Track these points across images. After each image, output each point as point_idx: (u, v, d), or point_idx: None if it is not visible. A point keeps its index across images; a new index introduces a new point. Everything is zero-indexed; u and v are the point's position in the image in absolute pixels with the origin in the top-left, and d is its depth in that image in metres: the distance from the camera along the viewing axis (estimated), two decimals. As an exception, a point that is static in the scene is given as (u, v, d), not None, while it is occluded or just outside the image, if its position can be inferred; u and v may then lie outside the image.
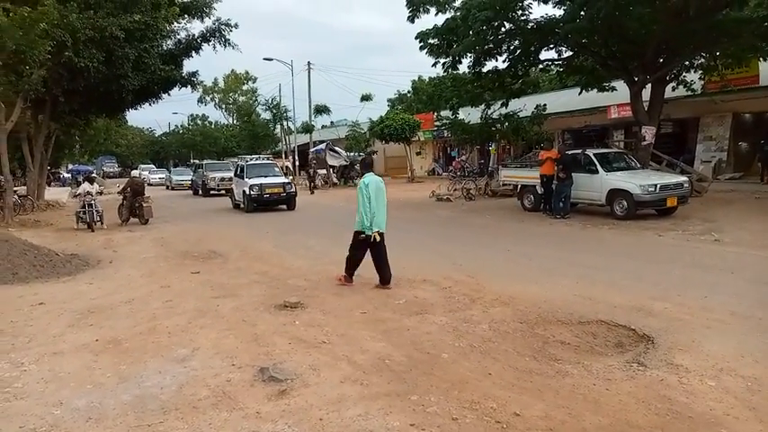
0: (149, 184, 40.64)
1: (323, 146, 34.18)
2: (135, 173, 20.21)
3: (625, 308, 6.24)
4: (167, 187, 39.67)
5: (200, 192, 29.51)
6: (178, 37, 20.97)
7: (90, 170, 43.34)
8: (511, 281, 7.81)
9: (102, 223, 16.03)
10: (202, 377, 4.76)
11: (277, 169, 21.59)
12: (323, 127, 49.16)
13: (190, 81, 21.81)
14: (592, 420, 3.79)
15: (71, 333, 6.13)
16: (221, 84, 71.02)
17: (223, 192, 26.86)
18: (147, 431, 3.84)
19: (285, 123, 43.85)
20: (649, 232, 11.62)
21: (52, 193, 29.98)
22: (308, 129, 41.12)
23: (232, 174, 26.41)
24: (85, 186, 16.43)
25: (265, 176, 20.06)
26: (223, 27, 20.77)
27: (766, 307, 6.11)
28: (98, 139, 40.93)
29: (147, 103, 22.46)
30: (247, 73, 70.00)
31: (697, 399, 4.06)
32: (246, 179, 19.73)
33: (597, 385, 4.35)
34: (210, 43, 20.83)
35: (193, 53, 21.07)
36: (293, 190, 19.88)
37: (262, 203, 19.24)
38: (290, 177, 28.43)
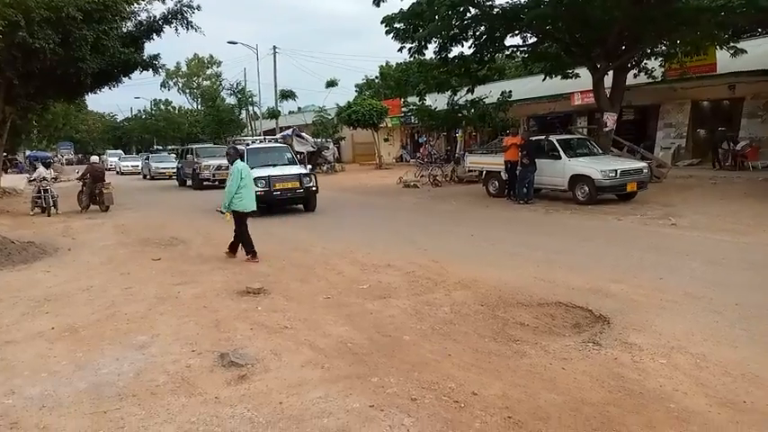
0: (120, 173, 38.05)
1: (289, 131, 33.74)
2: (94, 158, 18.31)
3: (583, 290, 6.38)
4: (145, 176, 33.95)
5: (190, 182, 24.58)
6: (138, 18, 20.29)
7: (48, 156, 42.04)
8: (474, 265, 7.89)
9: (56, 209, 15.77)
10: (161, 363, 4.70)
11: (289, 155, 15.68)
12: (290, 112, 48.72)
13: (151, 64, 21.15)
14: (547, 398, 3.88)
15: (25, 321, 5.97)
16: (184, 68, 69.54)
17: (218, 182, 21.88)
18: (102, 418, 3.78)
19: (251, 108, 43.24)
20: (610, 217, 11.88)
21: (8, 180, 28.95)
22: (274, 114, 40.67)
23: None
24: (41, 171, 16.27)
25: (273, 165, 14.57)
26: (185, 9, 20.14)
27: (718, 288, 6.32)
28: (56, 124, 39.70)
29: (107, 87, 21.66)
30: (211, 57, 68.80)
31: (648, 376, 4.18)
32: None
33: (554, 365, 4.45)
34: (173, 25, 20.22)
35: (155, 35, 20.38)
36: (313, 184, 14.22)
37: (271, 204, 13.71)
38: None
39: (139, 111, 68.96)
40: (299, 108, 49.24)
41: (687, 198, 13.92)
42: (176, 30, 20.38)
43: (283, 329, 5.51)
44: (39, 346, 5.22)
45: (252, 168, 12.22)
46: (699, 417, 3.58)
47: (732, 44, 16.81)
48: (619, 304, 5.83)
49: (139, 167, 37.27)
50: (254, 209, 9.08)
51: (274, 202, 13.94)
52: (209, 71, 69.44)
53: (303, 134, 34.76)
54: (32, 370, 4.64)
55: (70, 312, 6.27)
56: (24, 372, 4.61)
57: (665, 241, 9.20)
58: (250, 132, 43.88)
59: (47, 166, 16.79)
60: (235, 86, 43.00)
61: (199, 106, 66.52)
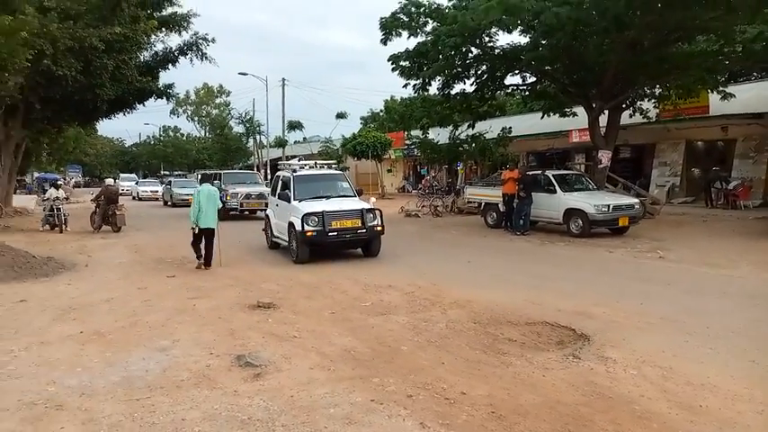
0: (138, 199, 36.15)
1: (295, 161, 34.66)
2: (109, 181, 18.77)
3: (569, 312, 6.90)
4: (166, 203, 30.90)
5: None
6: (155, 49, 21.32)
7: (57, 178, 42.80)
8: (469, 288, 8.43)
9: (67, 227, 16.77)
10: (184, 363, 5.23)
11: (345, 184, 12.59)
12: (296, 142, 49.68)
13: (166, 93, 22.12)
14: (527, 398, 4.40)
15: (56, 326, 6.52)
16: (193, 96, 71.07)
17: (247, 213, 21.16)
18: (135, 404, 4.30)
19: (258, 137, 44.26)
20: (601, 249, 12.42)
21: (18, 200, 29.70)
22: (281, 143, 41.59)
23: (262, 189, 21.17)
24: (52, 192, 17.22)
25: (327, 198, 11.67)
26: (200, 41, 21.20)
27: (692, 313, 6.85)
28: (67, 147, 40.60)
29: (122, 113, 22.65)
30: (221, 86, 70.35)
31: (619, 383, 4.70)
32: (295, 202, 11.38)
33: (536, 373, 4.97)
34: (187, 56, 21.23)
35: (170, 65, 21.42)
36: (378, 222, 11.18)
37: (326, 246, 11.23)
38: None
39: (148, 136, 70.31)
40: (305, 138, 50.23)
41: (677, 234, 14.47)
42: (191, 60, 21.37)
43: (293, 338, 6.04)
44: (71, 346, 5.76)
45: (300, 201, 11.29)
46: (659, 417, 4.09)
47: (722, 88, 17.58)
48: (600, 325, 6.36)
49: (159, 193, 34.68)
50: (211, 226, 10.51)
51: (328, 245, 11.20)
52: (218, 100, 70.96)
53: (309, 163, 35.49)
54: (68, 365, 5.17)
55: (95, 320, 6.82)
56: (61, 366, 5.15)
57: (651, 272, 9.74)
58: (257, 161, 44.78)
59: (56, 187, 17.66)
60: (243, 116, 44.09)
61: (207, 134, 67.80)
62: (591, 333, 6.04)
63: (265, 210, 19.30)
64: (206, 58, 21.65)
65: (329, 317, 6.95)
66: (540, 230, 15.69)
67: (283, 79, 40.79)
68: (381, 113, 48.46)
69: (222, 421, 4.01)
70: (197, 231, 10.47)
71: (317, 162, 14.37)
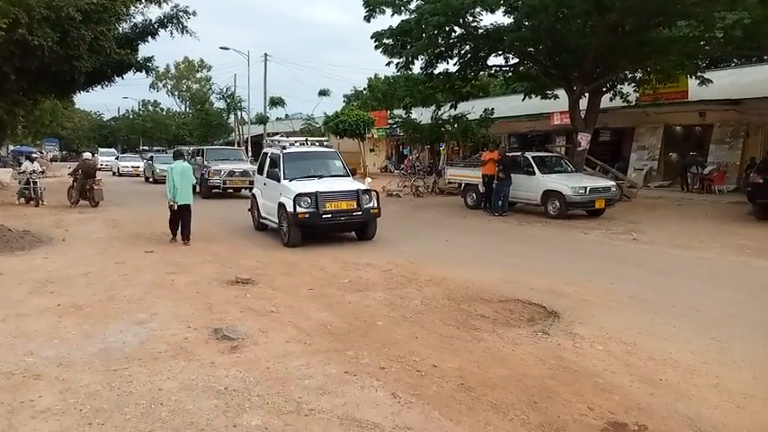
0: (119, 174, 34.80)
1: (278, 136, 34.44)
2: (87, 155, 18.24)
3: (541, 290, 7.08)
4: (147, 179, 30.05)
5: (198, 189, 18.97)
6: (134, 21, 20.87)
7: (32, 151, 42.01)
8: (446, 266, 8.57)
9: (43, 201, 16.65)
10: (161, 336, 5.30)
11: (339, 163, 11.90)
12: (277, 119, 49.26)
13: (145, 66, 21.71)
14: (496, 371, 4.56)
15: (33, 299, 6.54)
16: (173, 70, 69.88)
17: (231, 191, 20.45)
18: (113, 374, 4.38)
19: (239, 113, 43.80)
20: (577, 230, 12.66)
21: (-7, 173, 29.20)
22: (262, 120, 41.22)
23: (246, 166, 20.39)
24: (27, 165, 17.06)
25: (319, 177, 11.04)
26: (181, 14, 20.77)
27: (660, 293, 7.07)
28: (43, 120, 39.79)
29: (100, 86, 22.22)
30: (202, 61, 69.22)
31: (585, 358, 4.88)
32: (286, 181, 10.72)
33: (506, 348, 5.13)
34: (168, 29, 20.82)
35: (149, 38, 21.00)
36: (374, 204, 10.60)
37: (319, 229, 10.60)
38: None
39: (127, 111, 69.12)
40: (287, 115, 49.83)
41: (652, 217, 14.77)
42: (171, 33, 20.95)
43: (270, 313, 6.14)
44: (48, 319, 5.79)
45: (290, 181, 10.60)
46: (621, 389, 4.28)
47: (700, 74, 17.81)
48: (570, 303, 6.54)
49: (141, 169, 33.33)
50: (187, 202, 10.65)
51: (321, 228, 10.54)
52: (198, 75, 69.88)
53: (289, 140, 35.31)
54: (46, 337, 5.22)
55: (73, 293, 6.83)
56: (38, 338, 5.19)
57: (623, 253, 9.98)
58: (237, 138, 44.37)
59: (31, 160, 17.44)
60: (224, 91, 43.52)
61: (187, 109, 66.87)
62: (561, 310, 6.22)
63: (251, 188, 18.51)
64: (187, 31, 21.19)
65: (307, 293, 7.05)
66: (519, 211, 15.89)
67: (265, 54, 40.30)
68: (365, 92, 48.16)
69: (199, 391, 4.11)
70: (175, 208, 10.57)
71: (308, 139, 13.53)
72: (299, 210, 9.98)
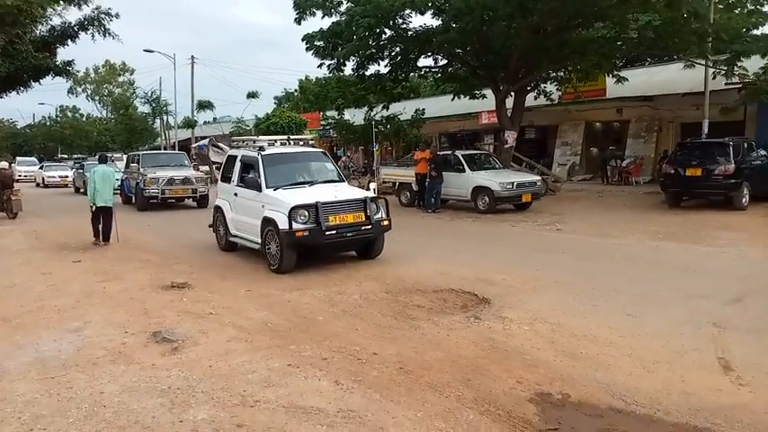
0: (44, 185, 31.45)
1: (205, 142, 33.74)
2: (3, 164, 16.79)
3: (473, 279, 7.43)
4: (78, 190, 26.19)
5: (134, 200, 18.36)
6: (52, 23, 20.01)
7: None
8: (383, 262, 8.81)
9: None
10: (98, 342, 5.24)
11: (330, 166, 10.06)
12: (206, 123, 48.20)
13: (65, 70, 20.84)
14: (432, 355, 4.81)
15: (-45, 313, 6.25)
16: (93, 74, 66.95)
17: (173, 201, 18.09)
18: (51, 382, 4.32)
19: (165, 118, 42.57)
20: (505, 224, 13.21)
21: None
22: (189, 124, 40.23)
23: (189, 172, 18.42)
24: None
25: (310, 184, 9.18)
26: (103, 16, 20.09)
27: (581, 276, 7.57)
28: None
29: (15, 92, 21.17)
30: (124, 64, 66.69)
31: (513, 338, 5.22)
32: (270, 191, 8.74)
33: (441, 333, 5.40)
34: (89, 32, 20.08)
35: (69, 41, 20.18)
36: (382, 215, 8.85)
37: (321, 249, 8.65)
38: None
39: (43, 117, 65.57)
40: (216, 119, 48.82)
41: (575, 208, 15.59)
42: (93, 36, 20.25)
43: (208, 315, 6.16)
44: (-26, 332, 5.58)
45: (275, 190, 8.63)
46: (546, 364, 4.62)
47: (616, 73, 18.91)
48: (500, 290, 6.91)
49: (70, 178, 29.47)
50: (107, 205, 10.97)
51: (324, 248, 8.62)
52: (121, 78, 67.26)
53: (220, 144, 34.74)
54: (-26, 350, 5.04)
55: (-2, 305, 6.58)
56: (-34, 351, 5.01)
57: (548, 243, 10.54)
58: (164, 143, 43.10)
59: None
60: (149, 95, 42.13)
61: (109, 114, 64.22)
62: (491, 297, 6.57)
63: (194, 197, 17.76)
64: (109, 33, 20.55)
65: (245, 294, 7.09)
66: (451, 208, 16.36)
67: (192, 57, 39.38)
68: (296, 93, 47.91)
69: (142, 392, 4.13)
70: (94, 210, 11.02)
71: (290, 137, 11.17)
72: (296, 226, 7.90)
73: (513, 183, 14.87)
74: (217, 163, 33.23)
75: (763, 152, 15.46)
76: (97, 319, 6.02)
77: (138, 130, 49.78)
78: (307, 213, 8.08)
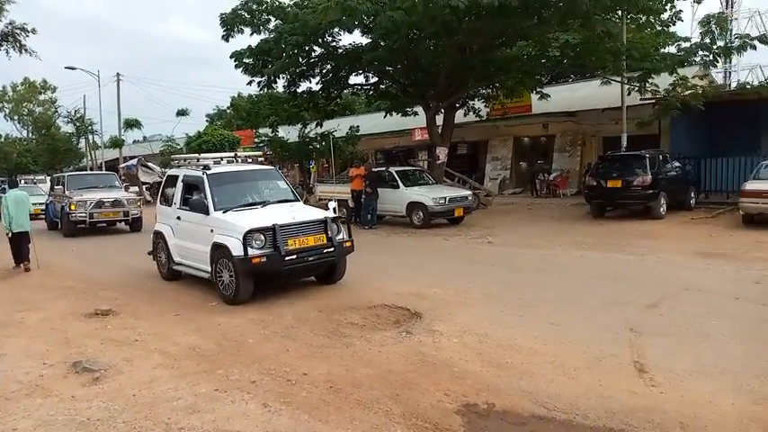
0: None
1: (134, 161, 32.74)
2: None
3: (405, 294, 7.53)
4: None
5: (60, 226, 17.09)
6: (-38, 40, 19.00)
7: None
8: (316, 280, 8.77)
9: None
10: (13, 375, 4.97)
11: (283, 185, 9.42)
12: (134, 142, 46.70)
13: (-23, 89, 19.78)
14: (363, 372, 4.84)
15: None
16: (11, 93, 63.59)
17: (104, 225, 16.89)
18: (-43, 421, 4.06)
19: (91, 137, 40.97)
20: (439, 238, 13.46)
21: None
22: (117, 143, 38.87)
23: (119, 194, 17.33)
24: None
25: (262, 204, 8.51)
26: (18, 31, 19.25)
27: (510, 288, 7.82)
28: None
29: None
30: (45, 82, 63.69)
31: (443, 351, 5.33)
32: (218, 213, 8.05)
33: (372, 350, 5.45)
34: (3, 48, 19.17)
35: (-18, 58, 19.20)
36: (344, 236, 8.34)
37: (281, 276, 8.06)
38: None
39: (-45, 138, 61.56)
40: (145, 137, 47.40)
41: (505, 221, 16.07)
42: (7, 53, 19.36)
43: (134, 342, 5.96)
44: None
45: (225, 212, 7.94)
46: (473, 375, 4.75)
47: (539, 89, 19.73)
48: (432, 303, 7.04)
49: None
50: (23, 230, 10.71)
51: (284, 275, 7.96)
52: (42, 96, 64.12)
53: (150, 164, 33.81)
54: None
55: None
56: None
57: (479, 255, 10.82)
58: (90, 164, 41.43)
59: None
60: (73, 114, 40.45)
61: (30, 134, 61.09)
62: (423, 311, 6.68)
63: (127, 220, 16.60)
64: (25, 50, 19.72)
65: (173, 319, 6.91)
66: (387, 223, 16.51)
67: (118, 74, 38.05)
68: (229, 111, 47.23)
69: (59, 425, 3.96)
70: (10, 236, 10.73)
71: (237, 154, 10.31)
72: (252, 252, 7.23)
73: (445, 198, 15.19)
74: (147, 183, 32.43)
75: (677, 164, 16.51)
76: (13, 351, 5.71)
77: (61, 150, 47.62)
78: (263, 237, 7.40)
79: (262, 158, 10.83)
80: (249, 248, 7.24)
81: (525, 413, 4.07)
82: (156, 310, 7.38)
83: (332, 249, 7.88)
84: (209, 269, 7.92)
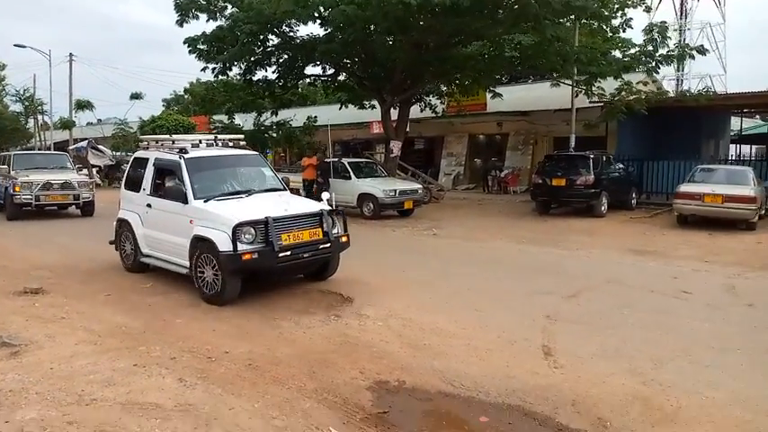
0: None
1: (84, 143, 31.85)
2: None
3: (342, 281, 7.67)
4: None
5: (5, 206, 15.69)
6: None
7: None
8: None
9: None
10: (-74, 350, 4.90)
11: (268, 173, 8.78)
12: (88, 124, 45.41)
13: None
14: (284, 351, 4.98)
15: None
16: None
17: (54, 209, 16.26)
18: None
19: (40, 117, 39.65)
20: (387, 229, 13.66)
21: None
22: (67, 125, 37.73)
23: (70, 176, 16.20)
24: None
25: (247, 193, 7.74)
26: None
27: (443, 277, 8.07)
28: None
29: None
30: (-6, 58, 61.24)
31: (366, 333, 5.51)
32: (199, 203, 7.18)
33: (298, 332, 5.58)
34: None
35: None
36: (339, 230, 7.66)
37: (273, 274, 7.26)
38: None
39: None
40: (100, 120, 46.12)
41: (454, 215, 16.39)
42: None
43: (60, 320, 5.94)
44: None
45: (206, 201, 7.10)
46: (390, 355, 4.94)
47: (492, 88, 20.12)
48: (364, 289, 7.22)
49: None
50: None
51: (277, 273, 7.20)
52: (-11, 74, 61.60)
53: (100, 147, 32.97)
54: None
55: None
56: None
57: (422, 246, 11.07)
58: (38, 144, 40.09)
59: None
60: (21, 93, 39.04)
61: (-25, 112, 58.60)
62: (355, 296, 6.85)
63: (77, 204, 15.49)
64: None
65: (104, 299, 6.88)
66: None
67: (71, 54, 36.87)
68: (186, 96, 46.37)
69: (-33, 397, 3.95)
70: None
71: (218, 137, 9.23)
72: (242, 248, 6.45)
73: (395, 190, 15.40)
74: (97, 166, 31.62)
75: (620, 165, 17.15)
76: (-69, 327, 5.61)
77: (8, 129, 45.83)
78: (254, 231, 6.59)
79: (244, 142, 9.68)
80: (239, 243, 6.46)
81: (433, 390, 4.27)
82: (89, 290, 7.32)
83: (328, 245, 7.16)
84: (187, 264, 7.08)
